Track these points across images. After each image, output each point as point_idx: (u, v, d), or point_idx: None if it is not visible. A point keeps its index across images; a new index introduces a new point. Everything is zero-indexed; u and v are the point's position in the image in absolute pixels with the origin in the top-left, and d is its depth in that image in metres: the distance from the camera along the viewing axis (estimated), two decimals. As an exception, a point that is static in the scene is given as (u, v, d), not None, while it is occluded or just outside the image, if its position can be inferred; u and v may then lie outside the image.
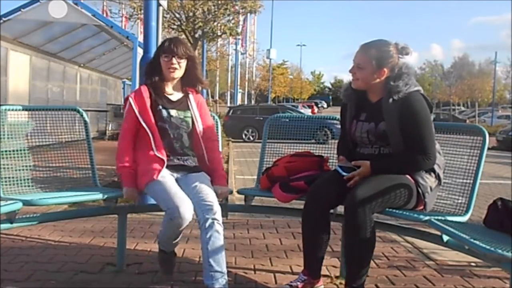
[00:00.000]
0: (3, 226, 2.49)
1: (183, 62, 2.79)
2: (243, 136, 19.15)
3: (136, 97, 2.77)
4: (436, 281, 2.95)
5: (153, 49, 4.80)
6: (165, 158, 2.68)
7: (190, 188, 2.63)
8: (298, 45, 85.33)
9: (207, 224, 2.49)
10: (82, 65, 15.84)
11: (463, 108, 54.95)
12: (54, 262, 3.14)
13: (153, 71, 2.83)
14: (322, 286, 2.65)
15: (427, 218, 2.40)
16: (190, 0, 14.18)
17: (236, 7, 15.88)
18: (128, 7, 16.73)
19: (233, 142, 17.01)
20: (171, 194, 2.54)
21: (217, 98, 39.63)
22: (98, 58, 15.89)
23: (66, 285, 2.77)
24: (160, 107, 2.78)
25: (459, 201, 2.65)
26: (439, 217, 2.41)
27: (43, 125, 3.09)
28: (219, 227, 2.51)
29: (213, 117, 3.46)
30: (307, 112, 35.61)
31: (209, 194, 2.59)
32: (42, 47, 12.69)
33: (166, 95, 2.83)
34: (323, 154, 3.09)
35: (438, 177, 2.61)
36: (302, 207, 2.65)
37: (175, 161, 2.77)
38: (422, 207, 2.58)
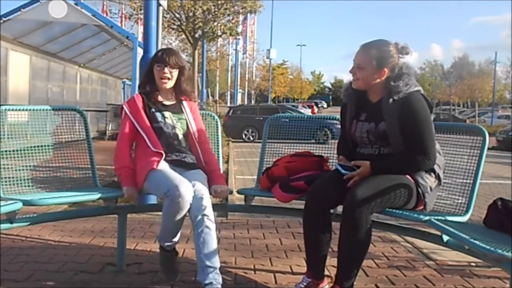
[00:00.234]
0: (3, 226, 2.49)
1: (175, 72, 2.91)
2: (243, 136, 19.15)
3: (130, 104, 2.90)
4: (436, 281, 2.95)
5: (153, 49, 4.80)
6: (163, 152, 2.76)
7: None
8: (298, 45, 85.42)
9: (197, 220, 2.54)
10: (82, 65, 15.85)
11: (463, 108, 54.92)
12: (54, 262, 3.14)
13: (147, 80, 2.96)
14: (327, 286, 2.65)
15: (427, 218, 2.40)
16: (190, 0, 14.18)
17: (236, 7, 15.87)
18: (128, 7, 16.72)
19: (233, 142, 17.00)
20: (171, 177, 2.60)
21: (217, 98, 39.60)
22: (98, 58, 15.90)
23: (66, 285, 2.77)
24: (154, 110, 2.89)
25: (459, 201, 2.65)
26: (439, 217, 2.41)
27: (43, 125, 3.09)
28: (209, 223, 2.55)
29: (213, 117, 3.48)
30: (307, 112, 35.61)
31: (201, 190, 2.61)
32: (42, 47, 12.69)
33: (160, 101, 2.95)
34: (323, 154, 3.09)
35: (438, 177, 2.61)
36: (302, 207, 2.65)
37: (173, 156, 2.83)
38: (422, 207, 2.58)
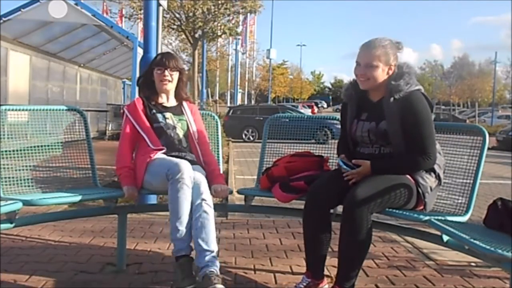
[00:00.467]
0: (3, 226, 2.49)
1: (175, 75, 2.98)
2: (243, 136, 19.15)
3: (130, 107, 2.96)
4: (436, 281, 2.95)
5: (153, 49, 4.80)
6: (163, 148, 2.82)
7: None
8: (298, 45, 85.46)
9: (195, 204, 2.57)
10: (82, 65, 15.85)
11: (463, 108, 54.92)
12: (54, 262, 3.14)
13: (146, 84, 3.01)
14: (326, 286, 2.65)
15: (427, 218, 2.40)
16: (190, 0, 14.18)
17: (236, 7, 15.87)
18: (128, 7, 16.71)
19: (233, 142, 17.00)
20: (170, 160, 2.67)
21: (217, 98, 39.60)
22: (98, 58, 15.91)
23: (66, 285, 2.77)
24: (154, 111, 2.95)
25: (459, 201, 2.65)
26: (439, 217, 2.41)
27: (43, 125, 3.09)
28: (207, 207, 2.58)
29: (213, 117, 3.48)
30: (307, 112, 35.61)
31: (199, 179, 2.66)
32: (42, 47, 12.69)
33: (160, 103, 3.01)
34: (323, 154, 3.09)
35: (438, 177, 2.61)
36: (302, 207, 2.64)
37: (173, 153, 2.85)
38: (422, 207, 2.58)
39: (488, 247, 1.92)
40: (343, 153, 2.76)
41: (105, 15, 17.43)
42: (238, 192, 3.11)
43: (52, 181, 3.09)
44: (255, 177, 3.43)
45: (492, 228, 2.37)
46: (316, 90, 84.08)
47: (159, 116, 2.94)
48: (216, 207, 2.67)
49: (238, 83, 42.72)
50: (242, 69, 49.30)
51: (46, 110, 3.12)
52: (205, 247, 2.51)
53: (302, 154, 3.06)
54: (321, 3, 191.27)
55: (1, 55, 10.75)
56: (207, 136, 3.15)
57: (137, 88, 3.09)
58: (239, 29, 21.30)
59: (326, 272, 2.86)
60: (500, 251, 1.88)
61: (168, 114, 2.97)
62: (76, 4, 10.38)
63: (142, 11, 8.39)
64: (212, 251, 2.51)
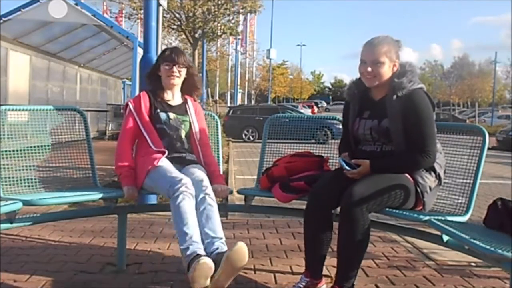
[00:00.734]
0: (3, 226, 2.49)
1: (183, 71, 2.96)
2: (243, 136, 19.14)
3: (135, 102, 2.92)
4: (436, 281, 2.95)
5: (153, 49, 4.80)
6: (165, 151, 2.79)
7: (185, 174, 2.73)
8: (298, 45, 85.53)
9: (199, 199, 2.57)
10: (82, 65, 15.85)
11: (463, 108, 54.94)
12: (54, 262, 3.14)
13: (152, 79, 2.99)
14: (324, 286, 2.65)
15: (427, 218, 2.40)
16: (190, 0, 14.19)
17: (236, 7, 15.88)
18: (128, 7, 16.72)
19: (233, 142, 17.00)
20: (171, 174, 2.64)
21: (217, 98, 39.62)
22: (98, 58, 15.91)
23: (66, 285, 2.77)
24: (159, 110, 2.92)
25: (459, 201, 2.65)
26: (439, 217, 2.41)
27: (43, 125, 3.09)
28: (211, 200, 2.59)
29: (213, 117, 3.48)
30: (307, 112, 35.61)
31: (201, 176, 2.68)
32: (42, 47, 12.70)
33: (165, 101, 2.97)
34: (323, 154, 3.09)
35: (438, 177, 2.61)
36: (302, 207, 2.65)
37: (174, 154, 2.85)
38: (421, 207, 2.58)
39: (488, 247, 1.92)
40: (345, 152, 2.76)
41: (105, 15, 17.43)
42: (238, 192, 3.11)
43: (52, 181, 3.09)
44: (255, 177, 3.43)
45: (492, 228, 2.37)
46: (316, 90, 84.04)
47: (163, 115, 2.91)
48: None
49: (238, 83, 42.75)
50: (242, 69, 49.33)
51: (46, 110, 3.12)
52: (213, 235, 2.49)
53: (302, 154, 3.06)
54: (321, 3, 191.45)
55: (1, 55, 10.75)
56: (208, 137, 3.14)
57: (137, 88, 3.10)
58: (239, 29, 21.30)
59: (326, 272, 2.86)
60: (500, 251, 1.88)
61: (172, 115, 2.94)
62: (76, 4, 10.39)
63: (142, 11, 8.39)
64: (220, 238, 2.49)
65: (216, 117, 3.50)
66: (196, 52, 16.01)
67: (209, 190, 2.63)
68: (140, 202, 3.70)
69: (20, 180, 2.88)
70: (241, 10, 16.78)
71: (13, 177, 2.84)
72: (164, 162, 2.75)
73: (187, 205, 2.51)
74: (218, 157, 3.28)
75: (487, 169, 9.21)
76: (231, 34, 16.78)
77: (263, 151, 3.43)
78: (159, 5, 5.07)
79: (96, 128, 15.96)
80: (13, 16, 10.25)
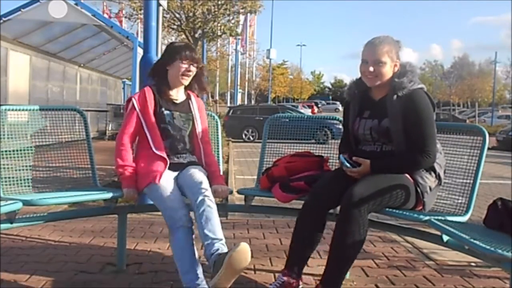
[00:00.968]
0: (3, 226, 2.49)
1: (195, 70, 2.89)
2: (243, 136, 19.14)
3: (140, 98, 2.82)
4: (436, 281, 2.96)
5: (153, 49, 4.80)
6: (166, 157, 2.73)
7: (184, 176, 2.72)
8: (298, 45, 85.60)
9: (198, 201, 2.54)
10: (82, 65, 15.85)
11: (463, 108, 54.94)
12: (54, 262, 3.14)
13: (160, 74, 2.88)
14: (301, 286, 2.61)
15: (427, 218, 2.39)
16: (190, 0, 14.19)
17: (236, 7, 15.89)
18: (128, 7, 16.73)
19: (233, 142, 16.99)
20: (172, 202, 2.60)
21: (217, 98, 39.62)
22: (98, 58, 15.91)
23: (66, 285, 2.77)
24: (163, 109, 2.84)
25: (459, 201, 2.65)
26: (439, 217, 2.41)
27: (43, 125, 3.09)
28: (210, 202, 2.55)
29: (213, 117, 3.48)
30: (307, 112, 35.61)
31: (200, 178, 2.65)
32: (42, 47, 12.69)
33: (170, 98, 2.89)
34: (323, 154, 3.09)
35: (438, 177, 2.61)
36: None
37: (175, 159, 2.81)
38: (421, 207, 2.58)
39: (488, 247, 1.92)
40: (345, 152, 2.76)
41: (105, 15, 17.43)
42: (238, 192, 3.11)
43: (52, 181, 3.09)
44: (255, 177, 3.43)
45: (492, 228, 2.37)
46: (316, 90, 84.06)
47: (167, 114, 2.83)
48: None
49: (238, 83, 42.72)
50: (242, 69, 49.34)
51: (46, 110, 3.12)
52: (213, 236, 2.45)
53: (302, 154, 3.06)
54: (321, 3, 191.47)
55: (1, 55, 10.75)
56: (209, 136, 3.11)
57: (137, 88, 3.07)
58: (239, 29, 21.30)
59: (312, 271, 2.85)
60: (500, 251, 1.88)
61: (176, 113, 2.87)
62: (76, 4, 10.38)
63: (142, 11, 8.39)
64: (220, 239, 2.46)
65: (216, 117, 3.50)
66: (196, 52, 16.00)
67: (208, 192, 2.60)
68: (140, 202, 3.69)
69: (20, 180, 2.88)
70: (241, 10, 16.78)
71: (13, 177, 2.84)
72: (164, 179, 2.68)
73: (185, 240, 2.54)
74: (218, 157, 3.28)
75: (487, 169, 9.21)
76: (231, 34, 16.78)
77: (263, 151, 3.43)
78: (159, 5, 5.07)
79: (96, 128, 15.96)
80: (13, 16, 10.24)
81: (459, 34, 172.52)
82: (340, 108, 58.38)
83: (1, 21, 10.09)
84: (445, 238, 2.43)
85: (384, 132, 2.58)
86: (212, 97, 39.42)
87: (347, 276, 2.94)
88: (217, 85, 44.37)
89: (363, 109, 2.71)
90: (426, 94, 2.59)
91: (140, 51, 9.46)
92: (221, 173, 3.09)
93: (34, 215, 2.75)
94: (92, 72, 17.08)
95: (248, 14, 21.66)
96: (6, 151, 2.82)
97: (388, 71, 2.58)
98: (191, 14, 14.46)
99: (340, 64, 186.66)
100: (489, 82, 53.79)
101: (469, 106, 57.94)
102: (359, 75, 2.70)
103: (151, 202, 2.84)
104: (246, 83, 51.61)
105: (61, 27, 11.91)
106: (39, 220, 2.80)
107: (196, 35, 15.19)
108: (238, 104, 38.07)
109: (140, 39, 10.88)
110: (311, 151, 3.13)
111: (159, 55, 5.24)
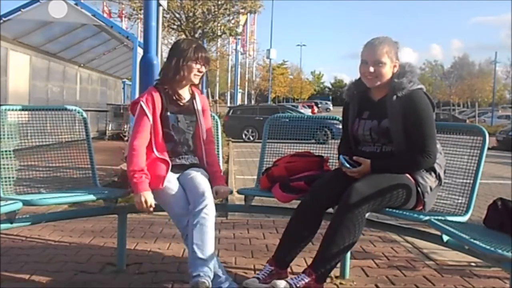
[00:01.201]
0: (3, 226, 2.49)
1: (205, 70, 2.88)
2: (243, 136, 19.15)
3: (148, 101, 2.74)
4: (436, 281, 2.95)
5: (153, 49, 4.80)
6: (168, 160, 2.70)
7: (186, 179, 2.69)
8: (298, 45, 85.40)
9: (196, 211, 2.52)
10: (82, 65, 15.85)
11: (463, 108, 54.95)
12: (54, 262, 3.14)
13: (170, 74, 2.80)
14: (288, 278, 2.60)
15: (427, 218, 2.40)
16: (190, 0, 14.20)
17: (236, 7, 15.89)
18: (128, 7, 16.73)
19: (233, 142, 17.00)
20: (178, 203, 2.62)
21: (217, 98, 39.63)
22: (98, 58, 15.91)
23: (66, 285, 2.77)
24: (168, 113, 2.79)
25: (459, 201, 2.65)
26: (439, 217, 2.41)
27: (43, 125, 3.09)
28: (207, 215, 2.51)
29: (213, 117, 3.47)
30: (307, 112, 35.61)
31: (202, 184, 2.62)
32: (42, 47, 12.69)
33: (176, 99, 2.83)
34: (323, 154, 3.09)
35: (438, 177, 2.61)
36: (302, 207, 2.64)
37: (177, 161, 2.80)
38: (421, 207, 2.58)
39: (488, 247, 1.92)
40: (345, 153, 2.76)
41: (105, 15, 17.43)
42: (238, 192, 3.11)
43: (52, 181, 3.09)
44: (255, 177, 3.43)
45: (492, 228, 2.37)
46: (316, 90, 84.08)
47: (172, 118, 2.79)
48: (216, 207, 2.66)
49: (238, 83, 42.75)
50: (242, 69, 49.35)
51: (46, 110, 3.12)
52: (200, 255, 2.43)
53: (302, 154, 3.06)
54: (321, 3, 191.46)
55: (1, 55, 10.75)
56: (212, 132, 3.05)
57: (137, 88, 3.06)
58: (239, 29, 21.30)
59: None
60: (500, 251, 1.88)
61: (180, 116, 2.82)
62: (76, 4, 10.38)
63: (142, 11, 8.39)
64: (206, 260, 2.43)
65: (216, 117, 3.50)
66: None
67: (208, 200, 2.55)
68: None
69: (20, 180, 2.88)
70: (241, 10, 16.78)
71: (13, 177, 2.84)
72: (168, 182, 2.66)
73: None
74: (218, 157, 3.27)
75: (487, 169, 9.21)
76: (231, 34, 16.78)
77: (263, 151, 3.43)
78: (159, 5, 5.08)
79: (96, 128, 15.96)
80: (13, 16, 10.24)
81: (459, 34, 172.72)
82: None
83: (1, 21, 10.08)
84: (445, 238, 2.43)
85: (384, 133, 2.58)
86: (212, 97, 39.43)
87: (347, 276, 2.94)
88: (217, 85, 44.38)
89: (362, 109, 2.71)
90: (426, 94, 2.59)
91: (140, 51, 9.46)
92: (222, 173, 3.09)
93: (34, 215, 2.75)
94: (92, 72, 17.08)
95: (248, 14, 21.65)
96: (6, 151, 2.82)
97: (388, 71, 2.58)
98: (191, 14, 14.46)
99: (340, 64, 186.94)
100: (489, 82, 53.80)
101: (469, 106, 57.93)
102: (359, 76, 2.70)
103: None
104: (246, 83, 51.62)
105: (61, 27, 11.91)
106: (39, 220, 2.80)
107: (196, 35, 15.19)
108: (238, 104, 38.09)
109: (140, 39, 10.88)
110: (311, 151, 3.13)
111: (159, 55, 5.26)
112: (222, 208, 3.80)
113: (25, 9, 10.20)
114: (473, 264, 3.22)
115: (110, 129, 15.54)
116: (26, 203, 2.49)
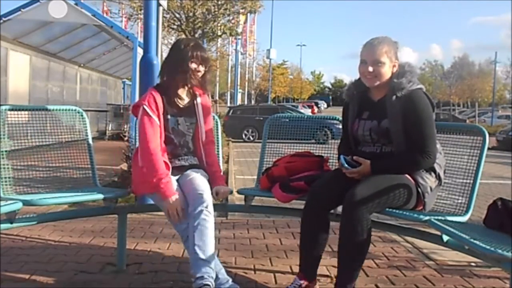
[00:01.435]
0: (3, 226, 2.49)
1: (204, 70, 2.83)
2: (243, 136, 19.15)
3: (151, 104, 2.70)
4: (436, 281, 2.95)
5: (153, 49, 4.80)
6: (168, 161, 2.70)
7: (185, 181, 2.68)
8: (298, 45, 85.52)
9: (195, 212, 2.51)
10: (82, 65, 15.85)
11: (463, 108, 54.94)
12: (54, 262, 3.14)
13: (168, 74, 2.80)
14: (317, 287, 2.64)
15: (427, 218, 2.39)
16: (190, 0, 14.19)
17: (236, 7, 15.89)
18: (128, 7, 16.72)
19: (233, 142, 17.00)
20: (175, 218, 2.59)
21: (217, 98, 39.59)
22: (98, 58, 15.90)
23: (66, 285, 2.77)
24: (169, 116, 2.77)
25: (459, 201, 2.65)
26: (439, 217, 2.41)
27: (43, 125, 3.09)
28: (207, 216, 2.51)
29: (213, 117, 3.47)
30: (307, 112, 35.60)
31: (201, 185, 2.60)
32: (42, 47, 12.69)
33: (176, 101, 2.80)
34: (323, 154, 3.09)
35: (438, 177, 2.61)
36: (302, 207, 2.64)
37: (176, 162, 2.79)
38: (421, 207, 2.58)
39: (488, 247, 1.92)
40: (345, 154, 2.75)
41: (105, 15, 17.42)
42: (238, 192, 3.11)
43: (52, 181, 3.10)
44: (255, 177, 3.43)
45: (492, 228, 2.37)
46: (316, 90, 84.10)
47: (172, 121, 2.77)
48: (216, 207, 2.67)
49: (238, 83, 42.72)
50: (242, 69, 49.32)
51: (46, 110, 3.12)
52: (201, 256, 2.44)
53: (302, 154, 3.06)
54: (321, 3, 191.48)
55: (1, 55, 10.75)
56: (213, 133, 3.04)
57: (137, 88, 3.05)
58: (239, 29, 21.30)
59: (326, 272, 2.86)
60: (500, 251, 1.88)
61: (180, 119, 2.81)
62: (76, 4, 10.37)
63: (142, 11, 8.39)
64: (209, 262, 2.44)
65: (216, 117, 3.50)
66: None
67: (207, 202, 2.54)
68: (140, 202, 3.70)
69: (20, 180, 2.88)
70: (241, 10, 16.77)
71: (13, 177, 2.84)
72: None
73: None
74: (218, 157, 3.27)
75: (487, 169, 9.21)
76: (231, 34, 16.77)
77: (263, 151, 3.43)
78: (159, 5, 5.07)
79: (96, 128, 15.95)
80: (13, 16, 10.23)
81: (459, 34, 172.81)
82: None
83: (1, 21, 10.08)
84: (445, 238, 2.43)
85: (383, 133, 2.58)
86: (212, 97, 39.38)
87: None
88: (217, 85, 44.32)
89: (362, 110, 2.70)
90: (425, 94, 2.59)
91: (140, 51, 9.45)
92: (222, 173, 3.09)
93: (34, 215, 2.75)
94: (92, 72, 17.08)
95: (248, 14, 21.65)
96: (6, 151, 2.82)
97: (387, 71, 2.58)
98: (191, 14, 14.45)
99: (340, 64, 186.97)
100: (489, 82, 53.79)
101: (469, 106, 57.92)
102: (359, 76, 2.70)
103: (151, 202, 2.84)
104: (246, 83, 51.58)
105: (61, 27, 11.91)
106: (39, 220, 2.80)
107: (196, 35, 15.17)
108: (238, 104, 38.07)
109: (140, 39, 10.87)
110: (311, 151, 3.13)
111: (159, 55, 5.25)
112: (222, 208, 3.81)
113: (25, 9, 10.18)
114: (473, 264, 3.22)
115: (110, 129, 15.54)
116: (26, 203, 2.49)
